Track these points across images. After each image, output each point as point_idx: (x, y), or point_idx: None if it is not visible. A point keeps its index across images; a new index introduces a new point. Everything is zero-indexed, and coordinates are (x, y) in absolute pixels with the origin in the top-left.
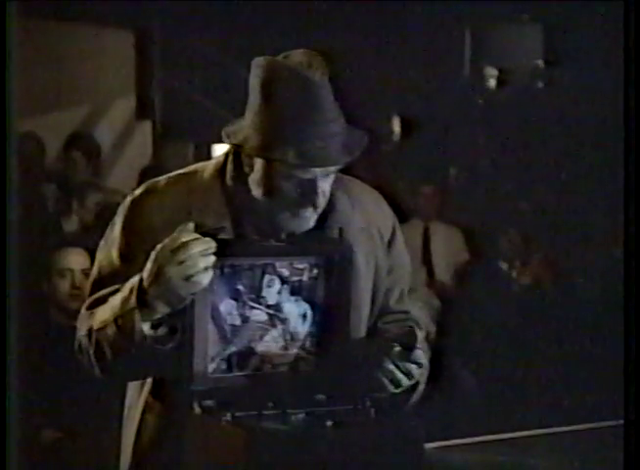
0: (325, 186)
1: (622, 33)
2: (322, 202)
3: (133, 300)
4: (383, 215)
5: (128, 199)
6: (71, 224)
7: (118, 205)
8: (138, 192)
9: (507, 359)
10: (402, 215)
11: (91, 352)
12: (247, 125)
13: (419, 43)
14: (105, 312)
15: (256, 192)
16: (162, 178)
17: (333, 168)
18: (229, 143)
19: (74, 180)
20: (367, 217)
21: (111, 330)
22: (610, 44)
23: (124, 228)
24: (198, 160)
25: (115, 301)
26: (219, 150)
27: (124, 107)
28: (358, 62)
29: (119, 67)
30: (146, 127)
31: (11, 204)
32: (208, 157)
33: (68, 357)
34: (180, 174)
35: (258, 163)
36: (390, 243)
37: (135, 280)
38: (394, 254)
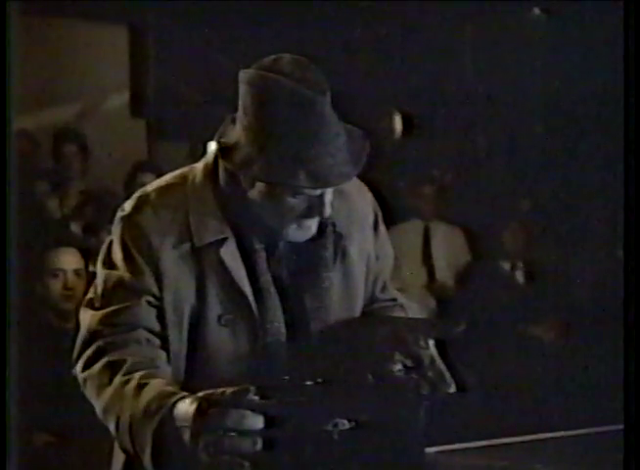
0: (330, 195)
1: (622, 33)
2: (329, 211)
3: (149, 427)
4: (366, 204)
5: (120, 215)
6: (63, 224)
7: (108, 204)
8: (129, 207)
9: (509, 361)
10: (402, 215)
11: (95, 402)
12: (244, 145)
13: (421, 38)
14: (123, 395)
15: (259, 207)
16: (151, 189)
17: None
18: (230, 168)
19: (67, 178)
20: (355, 208)
21: (123, 419)
22: (610, 44)
23: (124, 247)
24: (193, 158)
25: (143, 400)
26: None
27: (118, 104)
28: (358, 57)
29: (113, 63)
30: (140, 126)
31: (11, 203)
32: (204, 155)
33: (62, 359)
34: (169, 183)
35: (260, 183)
36: (375, 229)
37: (168, 402)
38: (379, 240)
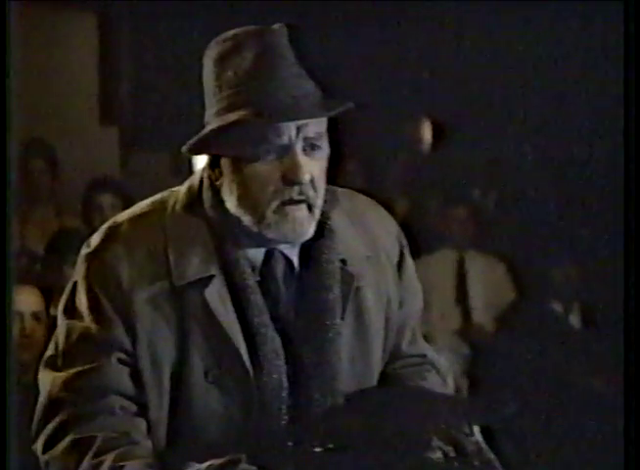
0: (311, 167)
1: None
2: (306, 177)
3: None
4: (388, 234)
5: (85, 252)
6: (21, 256)
7: (77, 231)
8: (96, 242)
9: (554, 420)
10: (431, 243)
11: None
12: (205, 123)
13: (450, 35)
14: None
15: (232, 202)
16: (123, 219)
17: (312, 134)
18: (184, 151)
19: (33, 199)
20: (373, 240)
21: None
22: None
23: (90, 291)
24: (177, 173)
25: None
26: (201, 161)
27: (85, 110)
28: (383, 59)
29: (79, 57)
30: (111, 135)
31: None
32: (189, 170)
33: (19, 420)
34: (145, 212)
35: (226, 165)
36: (400, 266)
37: None
38: (405, 280)
